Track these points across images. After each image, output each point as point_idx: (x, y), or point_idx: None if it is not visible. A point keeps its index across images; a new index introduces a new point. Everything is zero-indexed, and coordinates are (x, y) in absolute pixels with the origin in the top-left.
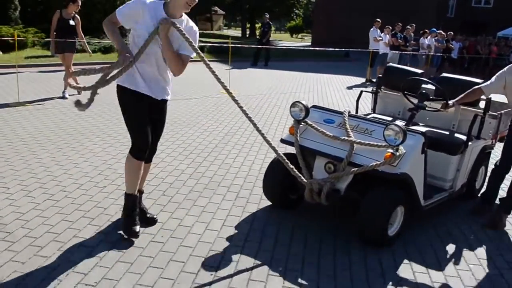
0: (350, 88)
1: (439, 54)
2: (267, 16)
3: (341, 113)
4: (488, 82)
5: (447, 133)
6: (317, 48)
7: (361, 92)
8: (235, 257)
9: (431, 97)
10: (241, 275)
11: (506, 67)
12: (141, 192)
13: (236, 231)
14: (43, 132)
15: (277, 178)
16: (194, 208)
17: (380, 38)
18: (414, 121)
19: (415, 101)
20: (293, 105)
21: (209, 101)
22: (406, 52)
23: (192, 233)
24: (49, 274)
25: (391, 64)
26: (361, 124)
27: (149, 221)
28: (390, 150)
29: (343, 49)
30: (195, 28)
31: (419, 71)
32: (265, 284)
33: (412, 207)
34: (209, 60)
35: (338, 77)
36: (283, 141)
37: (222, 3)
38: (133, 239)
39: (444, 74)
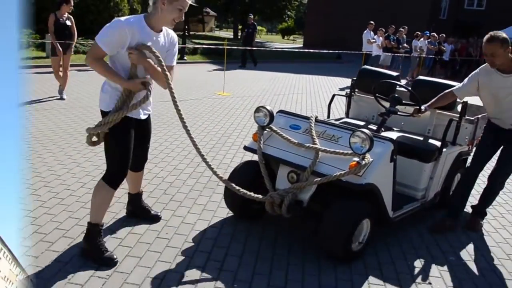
0: (342, 89)
1: (431, 56)
2: (251, 17)
3: (308, 118)
4: (460, 85)
5: (421, 138)
6: (310, 50)
7: (333, 95)
8: (239, 252)
9: (403, 101)
10: (245, 269)
11: (478, 68)
12: (140, 193)
13: (238, 228)
14: (44, 132)
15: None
16: (195, 206)
17: (374, 40)
18: (389, 126)
19: (388, 105)
20: (257, 110)
21: (204, 102)
22: (398, 54)
23: (196, 229)
24: (63, 266)
25: (365, 66)
26: (328, 130)
27: (154, 219)
28: (356, 159)
29: (335, 51)
30: (175, 37)
31: (395, 73)
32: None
33: (380, 219)
34: (203, 62)
35: (330, 78)
36: (246, 148)
37: (214, 5)
38: (136, 236)
39: (420, 77)
